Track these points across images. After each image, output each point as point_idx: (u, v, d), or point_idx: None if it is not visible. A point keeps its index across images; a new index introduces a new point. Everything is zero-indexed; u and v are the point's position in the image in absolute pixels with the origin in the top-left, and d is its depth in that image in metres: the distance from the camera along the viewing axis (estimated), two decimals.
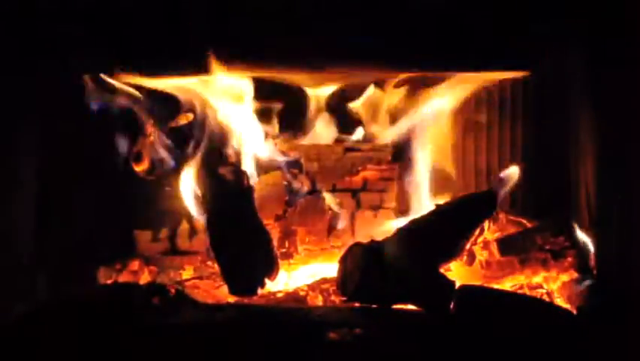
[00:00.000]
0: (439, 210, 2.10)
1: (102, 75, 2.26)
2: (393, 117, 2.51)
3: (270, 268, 2.13)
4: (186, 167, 2.33)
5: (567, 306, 2.03)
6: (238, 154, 2.33)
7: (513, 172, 2.18)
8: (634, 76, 1.91)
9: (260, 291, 2.11)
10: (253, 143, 2.41)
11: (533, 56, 2.14)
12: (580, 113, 2.18)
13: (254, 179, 2.30)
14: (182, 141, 2.37)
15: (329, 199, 2.38)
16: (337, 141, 2.54)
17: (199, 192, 2.26)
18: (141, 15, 2.12)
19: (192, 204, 2.33)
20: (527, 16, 2.08)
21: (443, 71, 2.28)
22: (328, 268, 2.28)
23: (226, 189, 2.15)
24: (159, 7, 2.13)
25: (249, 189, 2.16)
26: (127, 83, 2.29)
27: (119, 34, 2.13)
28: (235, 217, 2.12)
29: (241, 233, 2.12)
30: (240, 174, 2.16)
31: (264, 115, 2.46)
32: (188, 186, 2.32)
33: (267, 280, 2.13)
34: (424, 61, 2.18)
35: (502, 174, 2.19)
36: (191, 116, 2.31)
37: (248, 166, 2.34)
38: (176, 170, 2.35)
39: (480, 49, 2.13)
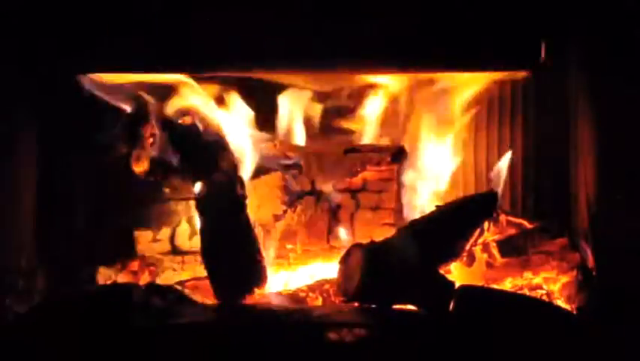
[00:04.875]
0: (439, 210, 2.10)
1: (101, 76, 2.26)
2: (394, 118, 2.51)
3: (258, 277, 2.12)
4: (183, 169, 2.33)
5: (567, 306, 2.03)
6: (235, 159, 2.31)
7: (503, 164, 2.18)
8: (633, 75, 1.92)
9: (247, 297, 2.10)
10: (253, 144, 2.41)
11: (533, 56, 2.14)
12: (580, 113, 2.18)
13: (248, 186, 2.29)
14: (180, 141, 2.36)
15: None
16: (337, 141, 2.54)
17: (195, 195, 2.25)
18: (136, 15, 2.13)
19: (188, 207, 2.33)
20: (527, 16, 2.08)
21: (443, 71, 2.28)
22: (328, 268, 2.28)
23: (220, 195, 2.14)
24: (156, 8, 2.13)
25: (243, 197, 2.15)
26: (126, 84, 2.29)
27: (117, 33, 2.13)
28: (227, 224, 2.11)
29: (232, 241, 2.11)
30: (234, 181, 2.15)
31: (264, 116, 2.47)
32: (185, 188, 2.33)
33: (255, 289, 2.12)
34: (423, 61, 2.18)
35: (493, 171, 2.18)
36: (189, 119, 2.31)
37: (244, 172, 2.33)
38: (175, 171, 2.36)
39: (479, 49, 2.13)
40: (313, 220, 2.39)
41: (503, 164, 2.18)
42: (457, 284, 1.92)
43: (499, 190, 2.13)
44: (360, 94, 2.52)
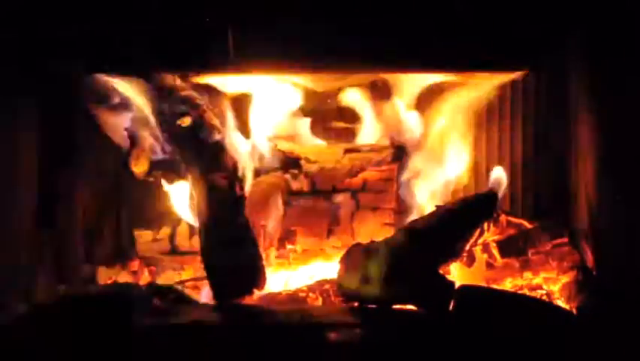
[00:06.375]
0: (439, 211, 2.10)
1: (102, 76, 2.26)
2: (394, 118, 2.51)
3: (257, 278, 2.12)
4: (183, 170, 2.32)
5: (567, 306, 2.03)
6: (235, 159, 2.31)
7: (501, 175, 2.17)
8: (633, 75, 1.92)
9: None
10: (252, 144, 2.41)
11: (532, 56, 2.14)
12: (579, 113, 2.19)
13: (248, 186, 2.29)
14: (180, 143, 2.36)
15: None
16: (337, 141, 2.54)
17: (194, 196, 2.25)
18: (137, 14, 2.13)
19: (188, 207, 2.33)
20: (527, 17, 2.08)
21: (442, 71, 2.28)
22: (328, 268, 2.28)
23: (218, 196, 2.13)
24: (157, 7, 2.13)
25: (241, 198, 2.15)
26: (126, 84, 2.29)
27: (117, 33, 2.13)
28: (226, 225, 2.11)
29: (231, 241, 2.11)
30: (233, 182, 2.15)
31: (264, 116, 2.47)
32: (185, 189, 2.32)
33: (254, 290, 2.11)
34: (422, 61, 2.18)
35: (491, 181, 2.17)
36: (188, 120, 2.31)
37: (244, 172, 2.33)
38: (174, 172, 2.35)
39: (478, 49, 2.13)
40: (313, 220, 2.40)
41: (499, 176, 2.16)
42: (457, 284, 1.92)
43: (500, 195, 2.13)
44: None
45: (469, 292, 1.91)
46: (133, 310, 1.89)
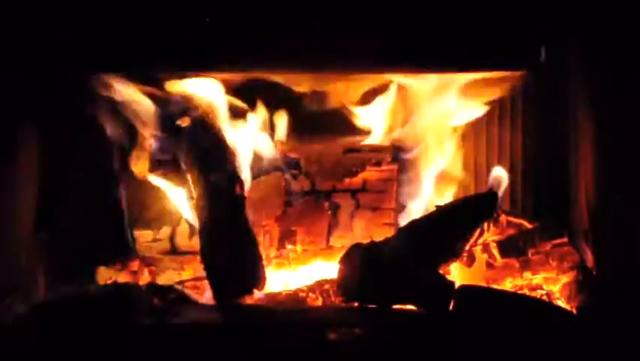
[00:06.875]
0: (440, 211, 2.10)
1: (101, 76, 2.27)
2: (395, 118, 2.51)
3: (257, 277, 2.12)
4: (183, 170, 2.32)
5: (567, 306, 2.03)
6: (235, 159, 2.31)
7: (501, 175, 2.16)
8: (633, 76, 1.92)
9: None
10: (253, 144, 2.41)
11: (532, 56, 2.14)
12: (579, 114, 2.19)
13: (248, 185, 2.29)
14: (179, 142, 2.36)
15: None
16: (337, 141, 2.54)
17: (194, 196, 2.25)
18: (137, 14, 2.13)
19: (188, 207, 2.33)
20: (527, 16, 2.09)
21: (440, 71, 2.28)
22: (328, 268, 2.28)
23: (218, 196, 2.13)
24: (157, 7, 2.13)
25: (242, 198, 2.15)
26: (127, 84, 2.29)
27: (117, 33, 2.14)
28: (226, 225, 2.11)
29: (231, 241, 2.11)
30: (233, 182, 2.15)
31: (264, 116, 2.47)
32: (185, 189, 2.33)
33: (254, 290, 2.11)
34: (421, 60, 2.18)
35: (491, 180, 2.17)
36: (188, 120, 2.31)
37: (244, 171, 2.33)
38: (174, 172, 2.36)
39: (478, 48, 2.13)
40: (313, 220, 2.40)
41: (499, 175, 2.16)
42: (457, 284, 1.92)
43: (500, 194, 2.13)
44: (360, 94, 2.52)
45: (469, 292, 1.92)
46: (133, 310, 1.89)
